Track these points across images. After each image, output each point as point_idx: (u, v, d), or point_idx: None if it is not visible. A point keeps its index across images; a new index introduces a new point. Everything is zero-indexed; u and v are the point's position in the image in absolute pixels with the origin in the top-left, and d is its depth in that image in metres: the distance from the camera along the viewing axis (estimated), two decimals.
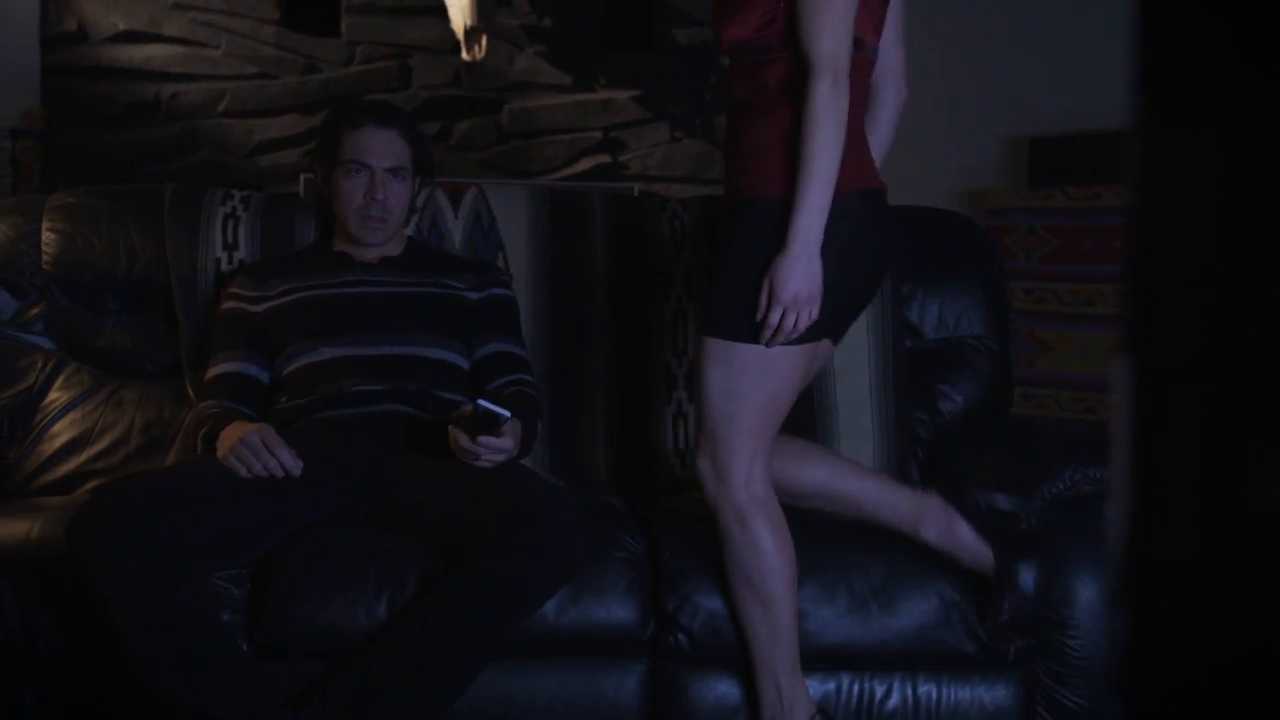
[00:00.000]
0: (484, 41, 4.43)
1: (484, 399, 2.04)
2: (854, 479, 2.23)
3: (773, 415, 2.09)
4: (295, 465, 2.14)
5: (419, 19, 4.74)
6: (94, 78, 4.61)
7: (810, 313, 1.99)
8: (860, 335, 2.62)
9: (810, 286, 1.97)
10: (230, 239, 2.62)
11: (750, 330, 2.02)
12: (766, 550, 2.09)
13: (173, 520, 1.96)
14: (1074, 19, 4.53)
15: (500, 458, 2.15)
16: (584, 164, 4.76)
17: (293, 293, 2.44)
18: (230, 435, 2.18)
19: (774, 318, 1.97)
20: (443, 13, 4.49)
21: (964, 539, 2.17)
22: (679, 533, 2.27)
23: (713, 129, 4.77)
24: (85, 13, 4.59)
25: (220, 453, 2.16)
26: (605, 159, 4.80)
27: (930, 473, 2.57)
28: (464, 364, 2.45)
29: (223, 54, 4.67)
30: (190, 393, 2.59)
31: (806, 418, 2.58)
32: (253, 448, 2.13)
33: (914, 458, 2.63)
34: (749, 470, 2.07)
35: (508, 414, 2.05)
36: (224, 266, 2.60)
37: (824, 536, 2.23)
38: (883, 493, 2.22)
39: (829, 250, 1.99)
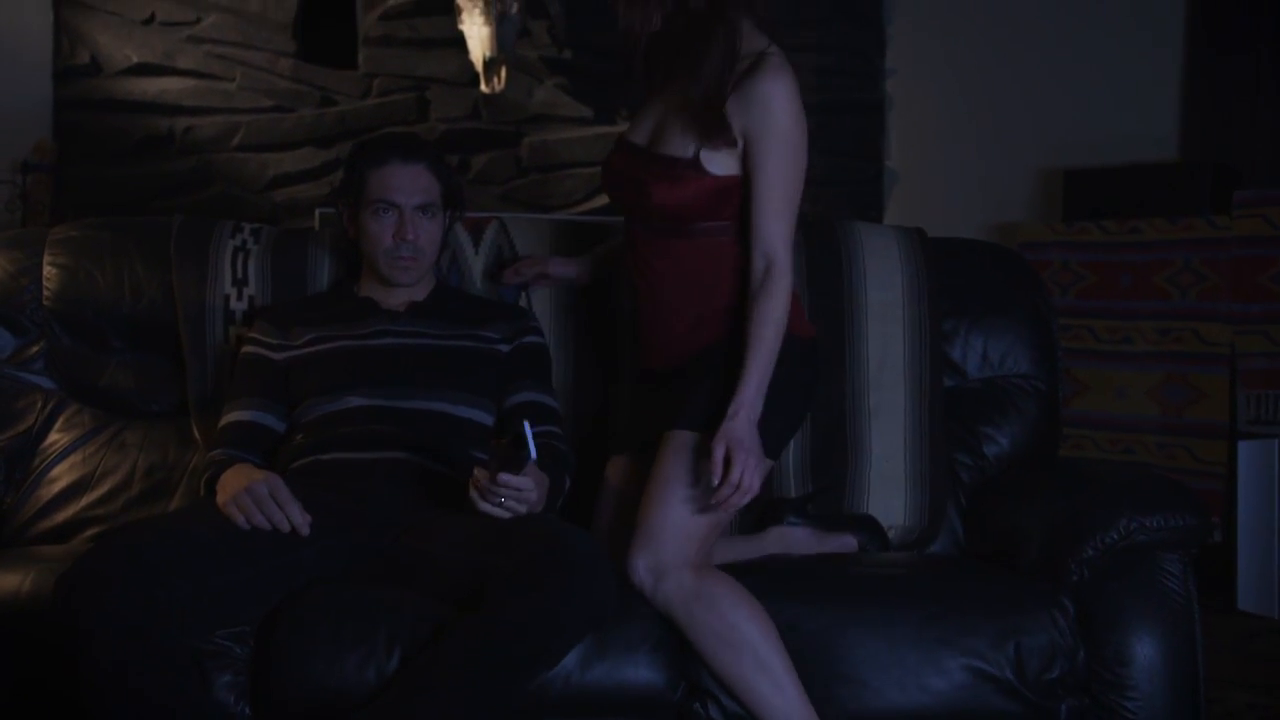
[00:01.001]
0: (503, 73, 4.41)
1: (527, 424, 1.91)
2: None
3: (724, 524, 2.16)
4: (303, 523, 2.02)
5: (437, 50, 4.70)
6: (107, 111, 4.61)
7: (763, 469, 2.08)
8: (895, 373, 2.50)
9: (758, 445, 2.06)
10: (240, 274, 2.52)
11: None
12: (729, 603, 2.02)
13: (168, 581, 1.84)
14: (1109, 50, 4.49)
15: (521, 508, 2.03)
16: (605, 198, 4.61)
17: (317, 343, 2.34)
18: (233, 480, 2.07)
19: (737, 475, 2.01)
20: (461, 44, 4.46)
21: (829, 544, 2.35)
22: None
23: None
24: (99, 45, 4.59)
25: (222, 499, 2.05)
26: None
27: (975, 520, 2.44)
28: (490, 421, 2.35)
29: (238, 87, 4.65)
30: (196, 434, 2.49)
31: (839, 459, 2.46)
32: (258, 498, 2.01)
33: (955, 503, 2.49)
34: (690, 565, 2.05)
35: (534, 455, 1.92)
36: (233, 303, 2.50)
37: (854, 598, 2.10)
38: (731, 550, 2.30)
39: (795, 385, 2.15)
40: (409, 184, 2.34)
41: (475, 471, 2.03)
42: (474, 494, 2.03)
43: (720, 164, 2.09)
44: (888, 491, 2.45)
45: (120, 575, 1.81)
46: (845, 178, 4.80)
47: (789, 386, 2.13)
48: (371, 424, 2.24)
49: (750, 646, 2.00)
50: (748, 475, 2.01)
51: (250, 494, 2.01)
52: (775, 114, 2.04)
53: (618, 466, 2.32)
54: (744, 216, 2.10)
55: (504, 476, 1.97)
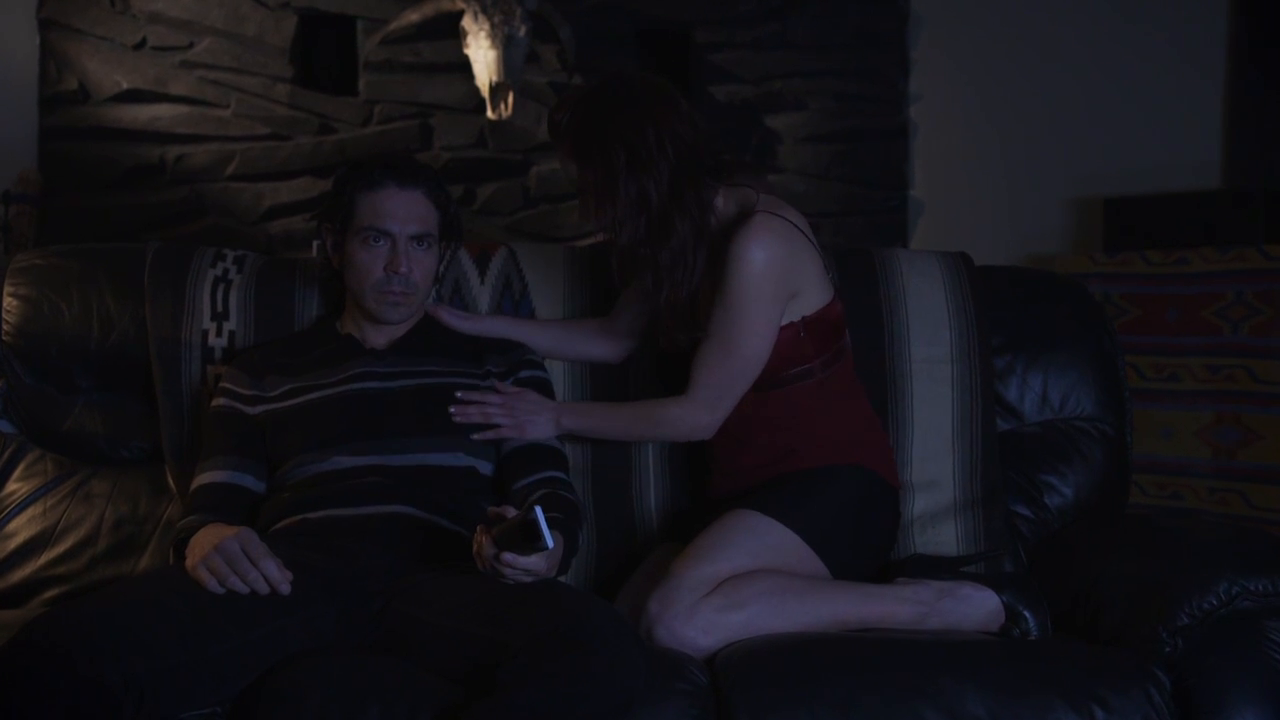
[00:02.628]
0: (510, 99, 4.29)
1: (539, 508, 1.69)
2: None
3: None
4: (282, 579, 1.79)
5: (441, 76, 4.57)
6: (95, 139, 4.49)
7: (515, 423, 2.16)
8: (941, 417, 2.29)
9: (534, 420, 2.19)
10: (220, 306, 2.31)
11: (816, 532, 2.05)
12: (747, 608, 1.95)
13: (123, 657, 1.60)
14: (1146, 73, 4.33)
15: (528, 579, 1.81)
16: None
17: (293, 395, 2.13)
18: (204, 540, 1.84)
19: (493, 399, 2.15)
20: (466, 69, 4.35)
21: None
22: (745, 657, 1.86)
23: None
24: (87, 71, 4.47)
25: (190, 561, 1.82)
26: None
27: (1037, 580, 2.16)
28: (490, 470, 2.15)
29: (232, 114, 4.53)
30: (171, 484, 2.28)
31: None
32: (230, 556, 1.78)
33: (1015, 560, 2.25)
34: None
35: (551, 543, 1.69)
36: (212, 339, 2.29)
37: (918, 672, 1.83)
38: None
39: (878, 530, 2.16)
40: (404, 211, 2.12)
41: (479, 536, 1.80)
42: (476, 554, 1.82)
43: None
44: (939, 539, 2.24)
45: (64, 651, 1.57)
46: (868, 207, 4.69)
47: (873, 529, 2.14)
48: (364, 477, 2.03)
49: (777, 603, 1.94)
50: (497, 407, 2.10)
51: (221, 553, 1.79)
52: (733, 277, 2.02)
53: (665, 549, 2.17)
54: (832, 349, 2.13)
55: (508, 557, 1.75)
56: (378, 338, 2.19)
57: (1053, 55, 4.48)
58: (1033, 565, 2.26)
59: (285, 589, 1.79)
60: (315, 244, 4.02)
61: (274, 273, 2.37)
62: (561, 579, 1.98)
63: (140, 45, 4.46)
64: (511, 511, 1.78)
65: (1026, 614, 2.00)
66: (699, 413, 2.10)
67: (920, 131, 4.71)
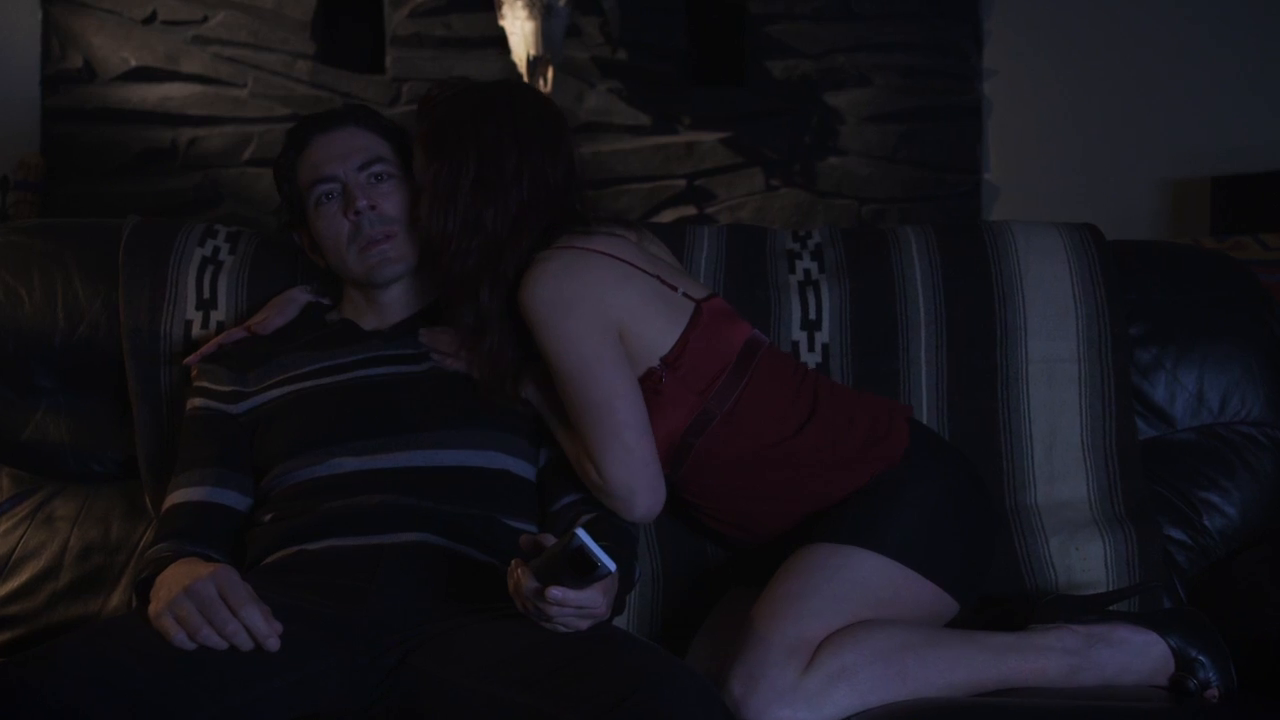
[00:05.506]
0: (550, 75, 4.12)
1: (583, 529, 1.37)
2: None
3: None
4: (269, 632, 1.46)
5: (475, 51, 4.42)
6: (101, 121, 4.36)
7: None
8: (1068, 428, 1.97)
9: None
10: (207, 293, 2.01)
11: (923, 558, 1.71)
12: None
13: None
14: (1259, 40, 4.13)
15: (583, 624, 1.47)
16: (666, 215, 4.42)
17: (283, 385, 1.83)
18: (171, 580, 1.51)
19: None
20: (502, 43, 4.21)
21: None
22: None
23: (814, 175, 4.46)
24: (92, 48, 4.37)
25: (154, 607, 1.49)
26: (690, 210, 4.44)
27: (1214, 618, 1.79)
28: (531, 473, 1.82)
29: (249, 93, 4.42)
30: (148, 504, 1.98)
31: (1004, 553, 1.90)
32: (203, 602, 1.45)
33: (1171, 594, 1.91)
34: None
35: (613, 566, 1.36)
36: (196, 331, 2.00)
37: None
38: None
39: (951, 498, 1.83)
40: (338, 148, 1.86)
41: (514, 570, 1.45)
42: (515, 595, 1.48)
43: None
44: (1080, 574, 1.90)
45: None
46: (937, 192, 4.51)
47: (973, 518, 1.81)
48: (372, 492, 1.70)
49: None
50: (440, 338, 1.82)
51: (192, 597, 1.45)
52: (534, 330, 1.75)
53: (739, 594, 1.83)
54: (721, 373, 1.79)
55: (557, 593, 1.40)
56: (378, 319, 1.91)
57: (1146, 22, 4.26)
58: (1192, 601, 1.91)
59: (273, 644, 1.46)
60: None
61: (274, 253, 2.07)
62: (618, 621, 1.63)
63: (150, 19, 4.32)
64: (551, 540, 1.46)
65: (1203, 659, 1.63)
66: (615, 487, 1.73)
67: (995, 109, 4.51)
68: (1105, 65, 4.30)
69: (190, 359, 1.88)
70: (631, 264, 1.77)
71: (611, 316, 1.72)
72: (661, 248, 1.96)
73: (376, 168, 1.85)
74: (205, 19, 4.31)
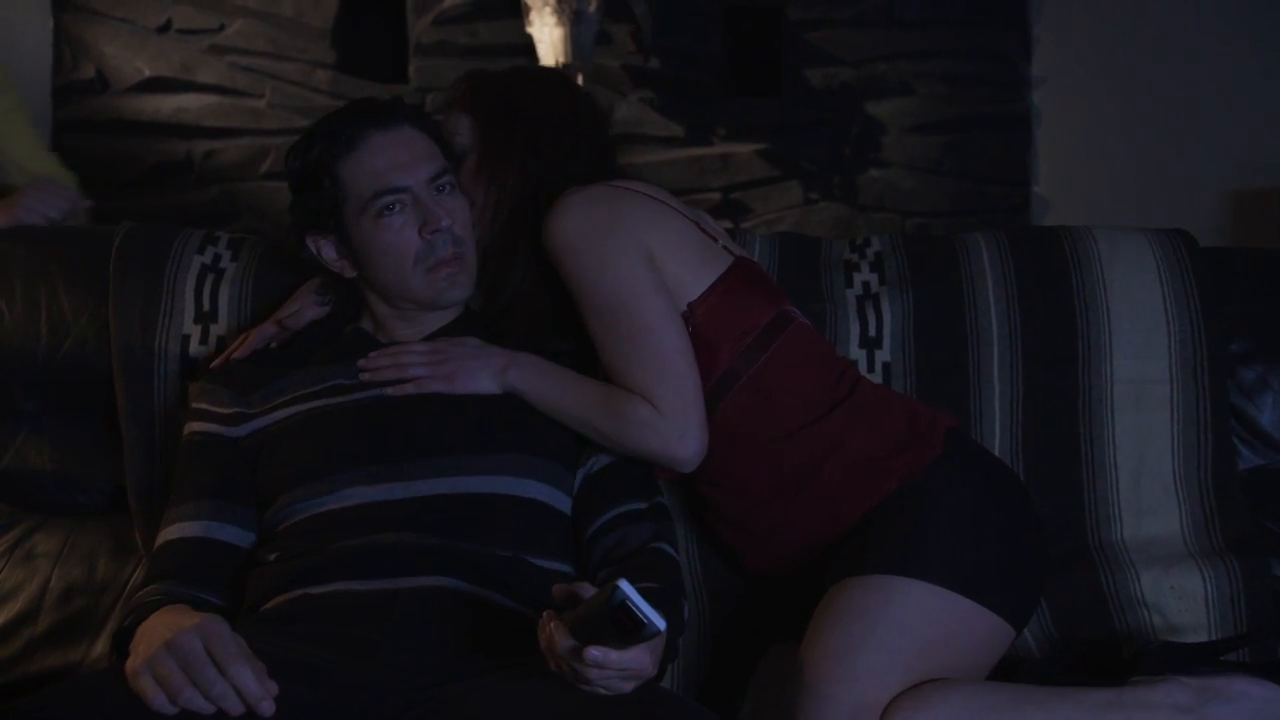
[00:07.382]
0: (579, 84, 3.94)
1: (626, 580, 1.21)
2: None
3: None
4: (262, 694, 1.29)
5: (501, 59, 4.28)
6: (114, 133, 4.30)
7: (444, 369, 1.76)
8: (1160, 455, 1.84)
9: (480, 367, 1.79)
10: (207, 305, 1.89)
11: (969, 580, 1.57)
12: None
13: None
14: None
15: (627, 686, 1.29)
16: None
17: (290, 405, 1.69)
18: (152, 632, 1.35)
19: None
20: (530, 51, 4.10)
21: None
22: None
23: (855, 188, 4.36)
24: (105, 57, 4.30)
25: (132, 663, 1.32)
26: (726, 225, 4.16)
27: None
28: (567, 505, 1.67)
29: (267, 104, 4.34)
30: (139, 540, 1.84)
31: (1087, 589, 1.75)
32: (187, 659, 1.29)
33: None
34: None
35: (662, 624, 1.20)
36: (194, 347, 1.88)
37: None
38: None
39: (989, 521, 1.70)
40: (407, 154, 1.71)
41: (546, 623, 1.29)
42: (547, 652, 1.31)
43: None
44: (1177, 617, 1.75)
45: None
46: (984, 205, 4.42)
47: (1019, 529, 1.67)
48: (386, 529, 1.54)
49: None
50: (418, 356, 1.70)
51: (174, 653, 1.29)
52: (561, 267, 1.68)
53: (780, 654, 1.68)
54: (751, 333, 1.70)
55: (597, 653, 1.23)
56: (412, 331, 1.75)
57: (1205, 28, 4.18)
58: None
59: (266, 708, 1.29)
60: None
61: (281, 260, 1.94)
62: (664, 675, 1.47)
63: (164, 28, 4.24)
64: (588, 590, 1.30)
65: None
66: (671, 422, 1.62)
67: (1044, 119, 4.43)
68: (1161, 71, 4.24)
69: (217, 363, 1.75)
70: (666, 204, 1.70)
71: (645, 243, 1.63)
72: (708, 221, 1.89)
73: (445, 179, 1.72)
74: (222, 27, 4.24)
